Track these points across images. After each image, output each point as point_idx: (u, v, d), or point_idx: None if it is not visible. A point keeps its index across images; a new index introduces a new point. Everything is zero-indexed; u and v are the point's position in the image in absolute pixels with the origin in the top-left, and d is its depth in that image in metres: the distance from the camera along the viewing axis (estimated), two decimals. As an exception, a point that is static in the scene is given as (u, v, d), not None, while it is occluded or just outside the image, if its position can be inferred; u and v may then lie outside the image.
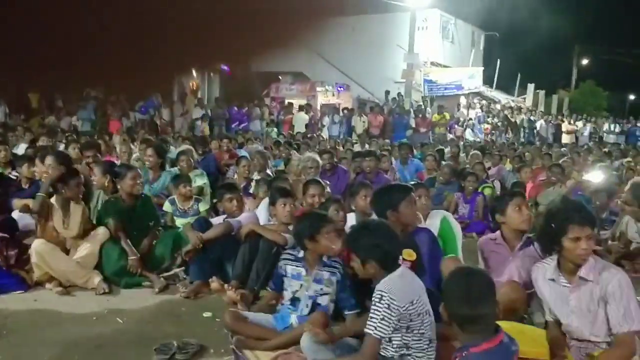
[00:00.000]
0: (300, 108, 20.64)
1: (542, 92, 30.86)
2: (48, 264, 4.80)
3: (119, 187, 5.48)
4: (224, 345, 3.75)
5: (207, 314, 4.34)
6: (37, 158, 6.40)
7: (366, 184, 5.51)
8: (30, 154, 7.49)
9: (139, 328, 4.10)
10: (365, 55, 26.22)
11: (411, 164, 10.01)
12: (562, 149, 16.12)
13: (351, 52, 26.62)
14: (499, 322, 2.54)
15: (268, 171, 8.24)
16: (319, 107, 23.09)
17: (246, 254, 4.74)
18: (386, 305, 2.91)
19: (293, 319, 3.82)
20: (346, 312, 3.82)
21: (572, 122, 24.80)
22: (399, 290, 2.97)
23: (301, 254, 3.89)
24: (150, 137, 12.22)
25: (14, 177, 6.79)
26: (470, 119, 23.59)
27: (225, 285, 4.68)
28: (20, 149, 9.25)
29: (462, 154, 13.29)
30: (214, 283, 4.83)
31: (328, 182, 6.72)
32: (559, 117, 26.38)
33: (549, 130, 23.62)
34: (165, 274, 5.17)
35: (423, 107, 21.87)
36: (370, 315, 2.96)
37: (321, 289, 3.84)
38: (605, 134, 24.87)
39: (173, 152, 8.93)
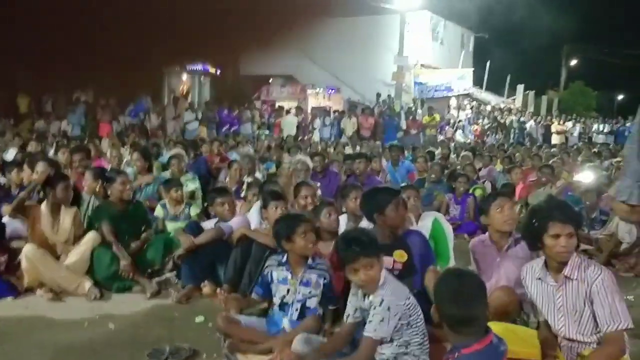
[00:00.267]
0: (287, 111, 20.67)
1: (531, 93, 31.08)
2: (38, 270, 4.78)
3: (109, 192, 5.46)
4: (216, 349, 3.75)
5: (199, 318, 4.32)
6: (25, 163, 6.37)
7: (357, 186, 5.53)
8: (20, 159, 7.45)
9: (131, 333, 4.08)
10: (355, 58, 26.30)
11: (402, 166, 10.02)
12: (552, 150, 16.22)
13: (341, 54, 26.69)
14: (490, 323, 2.55)
15: (257, 174, 8.25)
16: (309, 110, 23.11)
17: (238, 258, 4.74)
18: (386, 308, 2.93)
19: (285, 322, 3.82)
20: (330, 307, 3.85)
21: (561, 122, 24.96)
22: (396, 290, 3.03)
23: (285, 258, 3.89)
24: (139, 141, 12.20)
25: (3, 183, 6.75)
26: (461, 120, 23.69)
27: (218, 290, 4.67)
28: (10, 154, 9.18)
29: (452, 155, 13.35)
30: (206, 287, 4.83)
31: (319, 184, 6.73)
32: (549, 117, 26.56)
33: (539, 131, 23.78)
34: (157, 279, 5.14)
35: (413, 108, 21.94)
36: (369, 319, 2.98)
37: (309, 292, 3.83)
38: (594, 134, 25.06)
39: (165, 155, 8.91)
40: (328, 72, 26.96)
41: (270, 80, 28.03)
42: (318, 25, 28.24)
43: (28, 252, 4.76)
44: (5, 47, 18.05)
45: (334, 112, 21.04)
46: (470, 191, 8.19)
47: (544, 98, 32.39)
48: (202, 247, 4.96)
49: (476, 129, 23.29)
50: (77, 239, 5.11)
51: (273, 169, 9.30)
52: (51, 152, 9.32)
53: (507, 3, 27.26)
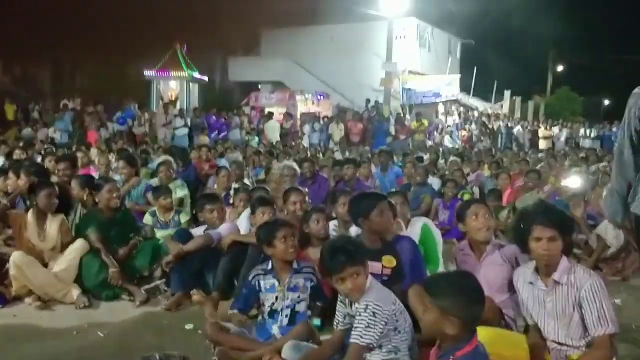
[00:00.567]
0: (270, 116, 20.69)
1: (518, 99, 31.29)
2: (26, 277, 4.73)
3: (97, 200, 5.44)
4: (206, 357, 3.73)
5: (189, 326, 4.31)
6: (10, 171, 6.33)
7: (346, 191, 5.55)
8: (7, 167, 7.39)
9: (121, 341, 4.05)
10: (344, 64, 26.41)
11: (391, 172, 10.03)
12: (540, 155, 16.33)
13: (330, 61, 26.80)
14: (480, 328, 2.57)
15: (246, 180, 8.25)
16: (299, 116, 23.14)
17: (227, 266, 4.73)
18: (372, 314, 2.93)
19: (275, 329, 3.81)
20: (319, 304, 3.85)
21: (548, 127, 25.15)
22: (381, 296, 3.03)
23: (270, 266, 3.89)
24: (126, 148, 12.15)
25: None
26: (449, 126, 23.80)
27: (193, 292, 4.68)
28: (-4, 162, 9.13)
29: (441, 161, 13.40)
30: (196, 296, 4.81)
31: (307, 190, 6.74)
32: (536, 123, 26.75)
33: (526, 136, 23.92)
34: (147, 287, 5.13)
35: (402, 114, 22.04)
36: (355, 325, 2.98)
37: (298, 296, 3.84)
38: (581, 139, 25.27)
39: (154, 162, 8.88)
40: (317, 78, 27.04)
41: (259, 87, 28.06)
42: (307, 32, 28.37)
43: (16, 259, 4.73)
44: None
45: (324, 118, 21.08)
46: (459, 196, 8.22)
47: (531, 104, 32.62)
48: (191, 254, 4.95)
49: (464, 135, 23.41)
50: (64, 246, 5.08)
51: (262, 175, 9.31)
52: (39, 160, 9.27)
53: (493, 10, 27.54)
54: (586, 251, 6.47)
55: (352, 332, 2.98)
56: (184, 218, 6.19)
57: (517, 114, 29.42)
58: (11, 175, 6.23)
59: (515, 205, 8.03)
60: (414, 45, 27.77)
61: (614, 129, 24.43)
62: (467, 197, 8.33)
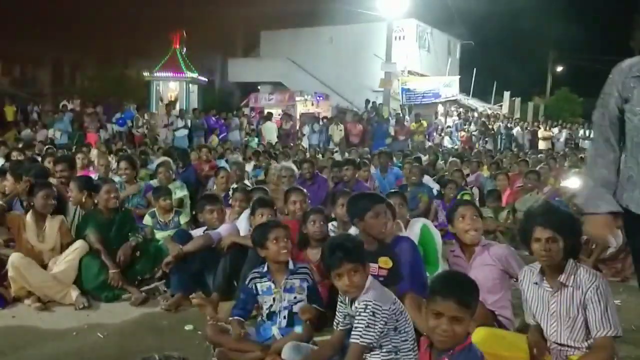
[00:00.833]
0: (268, 117, 20.69)
1: (517, 100, 31.31)
2: (24, 278, 4.73)
3: (96, 201, 5.44)
4: (206, 358, 3.74)
5: (188, 327, 4.31)
6: (8, 172, 6.33)
7: (346, 192, 5.53)
8: (6, 168, 7.39)
9: (120, 342, 4.05)
10: (343, 65, 26.44)
11: (390, 173, 10.02)
12: (539, 155, 16.34)
13: (329, 61, 26.83)
14: (478, 328, 2.58)
15: (246, 181, 8.25)
16: (298, 117, 23.16)
17: (227, 266, 4.73)
18: (371, 313, 2.92)
19: (274, 330, 3.81)
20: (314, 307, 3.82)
21: (547, 128, 25.16)
22: (380, 295, 3.03)
23: (265, 268, 3.88)
24: (125, 149, 12.16)
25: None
26: (449, 126, 23.82)
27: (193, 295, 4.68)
28: (-4, 163, 9.11)
29: (440, 162, 13.40)
30: (196, 300, 4.79)
31: (305, 191, 6.73)
32: (535, 123, 26.77)
33: (525, 137, 23.94)
34: (146, 287, 5.12)
35: (401, 115, 22.06)
36: (355, 325, 2.98)
37: (294, 297, 3.82)
38: (580, 140, 25.28)
39: (153, 163, 8.88)
40: (316, 79, 27.06)
41: (258, 88, 28.08)
42: (306, 33, 28.41)
43: (15, 261, 4.72)
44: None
45: (323, 118, 21.09)
46: (458, 197, 8.22)
47: (530, 104, 32.65)
48: (190, 255, 4.95)
49: (463, 135, 23.42)
50: (64, 247, 5.08)
51: (262, 176, 9.30)
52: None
53: (493, 11, 27.56)
54: (585, 251, 6.46)
55: (352, 332, 2.98)
56: (184, 219, 6.19)
57: (517, 115, 29.43)
58: (9, 176, 6.23)
59: (515, 206, 8.04)
60: (413, 46, 27.80)
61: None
62: (466, 197, 8.34)
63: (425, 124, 21.10)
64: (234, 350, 3.67)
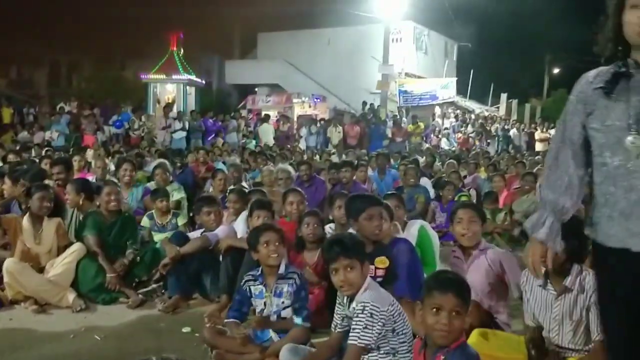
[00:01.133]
0: (265, 119, 20.69)
1: (514, 101, 31.35)
2: (20, 283, 4.72)
3: (97, 203, 5.42)
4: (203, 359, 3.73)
5: (186, 329, 4.30)
6: (5, 175, 6.31)
7: (343, 194, 5.52)
8: (4, 171, 7.38)
9: (118, 344, 4.05)
10: (341, 67, 26.46)
11: (388, 175, 10.02)
12: (536, 157, 16.35)
13: (327, 63, 26.85)
14: (476, 330, 2.58)
15: (244, 183, 8.24)
16: (295, 119, 23.16)
17: (229, 268, 4.71)
18: (369, 314, 2.92)
19: (272, 332, 3.81)
20: (299, 321, 3.72)
21: (544, 130, 25.19)
22: (378, 296, 3.03)
23: (259, 272, 3.87)
24: (122, 151, 12.14)
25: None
26: (446, 128, 23.83)
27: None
28: (-8, 165, 9.09)
29: (437, 163, 13.41)
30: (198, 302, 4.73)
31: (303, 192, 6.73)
32: (532, 125, 26.80)
33: (522, 139, 23.98)
34: (143, 290, 5.12)
35: (399, 117, 22.08)
36: (353, 326, 2.98)
37: (282, 302, 3.79)
38: (578, 142, 25.25)
39: (149, 166, 8.87)
40: (314, 81, 27.07)
41: (256, 90, 28.08)
42: (304, 35, 28.43)
43: (9, 266, 4.71)
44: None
45: (320, 120, 21.10)
46: (456, 199, 8.23)
47: (527, 106, 32.67)
48: (188, 257, 4.94)
49: (460, 137, 23.45)
50: (60, 249, 5.07)
51: (259, 178, 9.29)
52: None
53: (490, 13, 27.61)
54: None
55: (350, 334, 2.98)
56: (181, 221, 6.17)
57: (514, 117, 29.48)
58: (6, 179, 6.21)
59: (512, 207, 8.05)
60: (411, 48, 27.83)
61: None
62: (464, 199, 8.35)
63: (422, 125, 21.12)
64: (231, 352, 3.67)
